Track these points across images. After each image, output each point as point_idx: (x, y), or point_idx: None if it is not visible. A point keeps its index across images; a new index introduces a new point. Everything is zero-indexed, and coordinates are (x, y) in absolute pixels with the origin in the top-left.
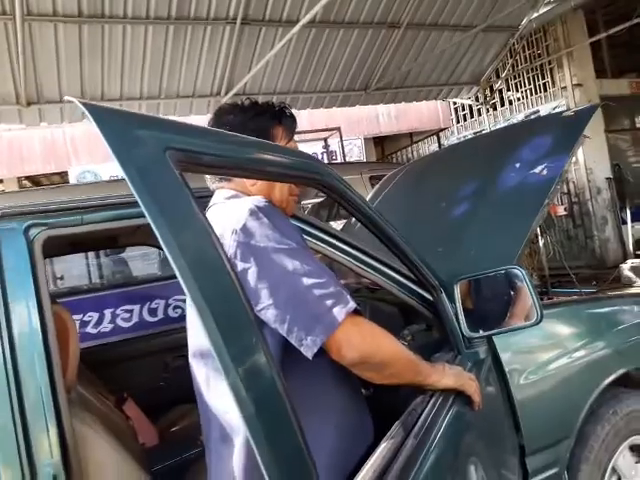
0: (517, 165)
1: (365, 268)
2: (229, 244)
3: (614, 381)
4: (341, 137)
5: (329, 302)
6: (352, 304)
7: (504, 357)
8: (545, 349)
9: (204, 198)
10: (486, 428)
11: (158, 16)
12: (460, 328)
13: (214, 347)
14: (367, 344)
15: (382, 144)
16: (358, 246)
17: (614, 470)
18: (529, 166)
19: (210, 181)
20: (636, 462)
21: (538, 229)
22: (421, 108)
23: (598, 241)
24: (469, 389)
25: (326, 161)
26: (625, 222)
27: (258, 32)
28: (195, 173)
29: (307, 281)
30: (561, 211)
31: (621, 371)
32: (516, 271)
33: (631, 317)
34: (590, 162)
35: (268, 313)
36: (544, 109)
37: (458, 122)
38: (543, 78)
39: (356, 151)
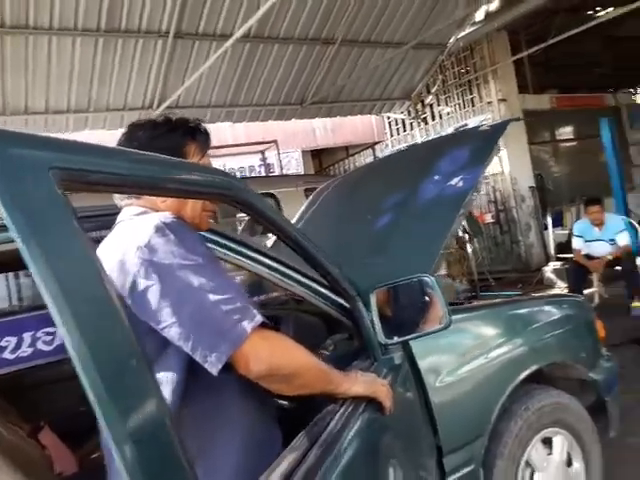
0: (437, 177)
1: (285, 280)
2: (133, 262)
3: (527, 378)
4: (278, 150)
5: (235, 317)
6: (259, 318)
7: (421, 362)
8: (461, 352)
9: (110, 216)
10: (403, 431)
11: (87, 28)
12: (376, 335)
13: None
14: (275, 356)
15: (320, 157)
16: (278, 258)
17: (527, 463)
18: (447, 178)
19: (118, 198)
20: (548, 454)
21: (467, 236)
22: (356, 122)
23: (523, 246)
24: (380, 395)
25: (263, 173)
26: (547, 228)
27: (191, 46)
28: (86, 192)
29: (212, 297)
30: (489, 219)
31: (533, 367)
32: (427, 279)
33: (543, 317)
34: (515, 172)
35: (172, 331)
36: (472, 122)
37: (392, 135)
38: (471, 93)
39: (294, 163)
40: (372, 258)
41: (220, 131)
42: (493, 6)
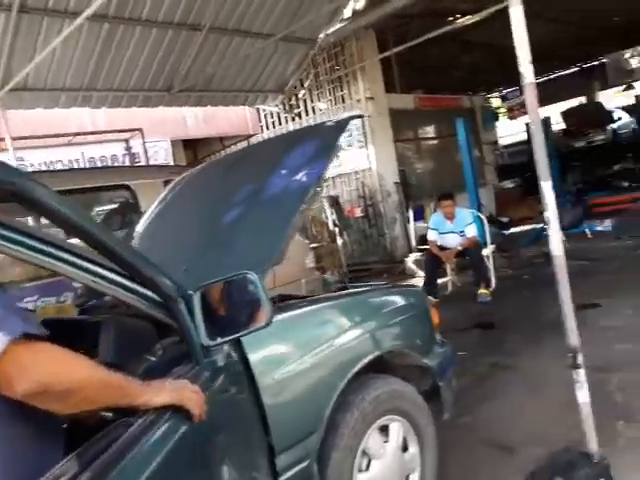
0: (284, 171)
1: (95, 279)
2: None
3: (367, 368)
4: (143, 138)
5: None
6: (21, 329)
7: (254, 361)
8: (297, 348)
9: None
10: (230, 434)
11: None
12: (198, 337)
13: None
14: (45, 372)
15: (194, 148)
16: (87, 256)
17: (364, 452)
18: (294, 172)
19: None
20: (384, 442)
21: (337, 230)
22: (229, 113)
23: (389, 238)
24: (188, 403)
25: (127, 163)
26: (410, 221)
27: (40, 22)
28: None
29: None
30: (358, 213)
31: (369, 357)
32: (250, 276)
33: (380, 307)
34: (381, 168)
35: None
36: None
37: (268, 128)
38: (342, 90)
39: (162, 153)
40: (217, 253)
41: (78, 116)
42: (360, 4)
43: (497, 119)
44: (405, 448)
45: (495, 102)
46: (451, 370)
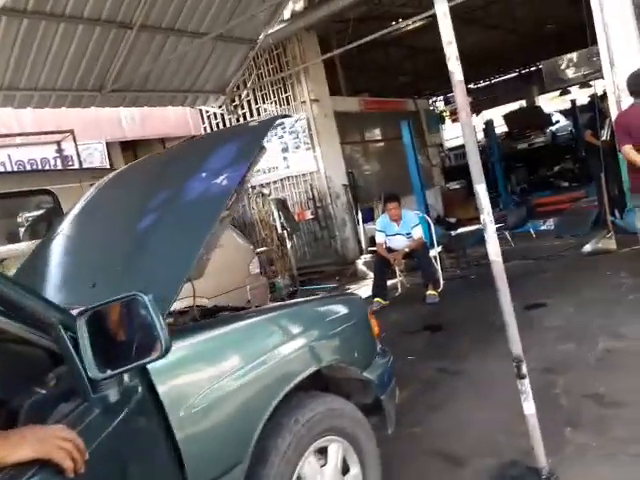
0: (204, 174)
1: None
2: None
3: (301, 385)
4: (75, 140)
5: None
6: None
7: (164, 391)
8: (218, 370)
9: None
10: (134, 475)
11: None
12: (85, 369)
13: None
14: None
15: (134, 149)
16: None
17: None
18: (213, 175)
19: None
20: (322, 466)
21: (285, 233)
22: (168, 113)
23: (339, 240)
24: (57, 456)
25: (60, 166)
26: (359, 223)
27: None
28: None
29: None
30: (308, 215)
31: (305, 374)
32: (140, 298)
33: (314, 320)
34: (329, 170)
35: None
36: (289, 121)
37: (211, 129)
38: (286, 92)
39: (98, 156)
40: (128, 266)
41: (3, 116)
42: (299, 5)
43: (442, 122)
44: (345, 470)
45: (440, 105)
46: (393, 382)
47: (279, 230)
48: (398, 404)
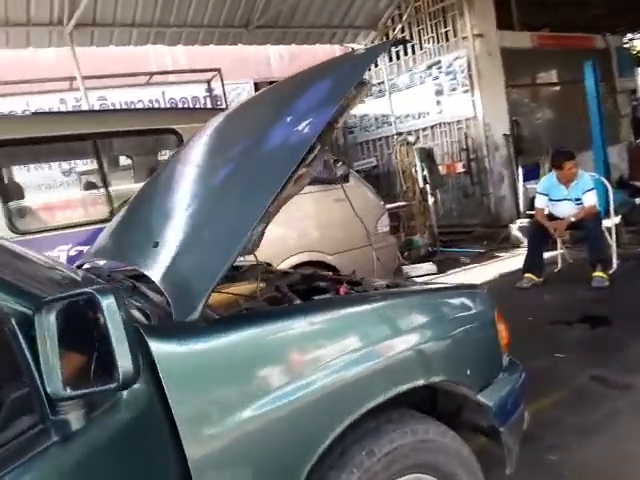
0: (288, 119)
1: None
2: None
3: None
4: (222, 79)
5: None
6: None
7: (181, 409)
8: (262, 385)
9: None
10: None
11: None
12: (43, 381)
13: None
14: None
15: None
16: None
17: None
18: (295, 121)
19: None
20: None
21: (427, 187)
22: (317, 52)
23: (493, 199)
24: None
25: (209, 106)
26: (519, 180)
27: None
28: None
29: None
30: (459, 168)
31: (392, 392)
32: (97, 299)
33: (416, 320)
34: (489, 117)
35: None
36: (446, 60)
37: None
38: (445, 26)
39: (245, 96)
40: (190, 229)
41: (159, 55)
42: None
43: (638, 65)
44: None
45: (638, 44)
46: (520, 408)
47: (420, 184)
48: (533, 416)
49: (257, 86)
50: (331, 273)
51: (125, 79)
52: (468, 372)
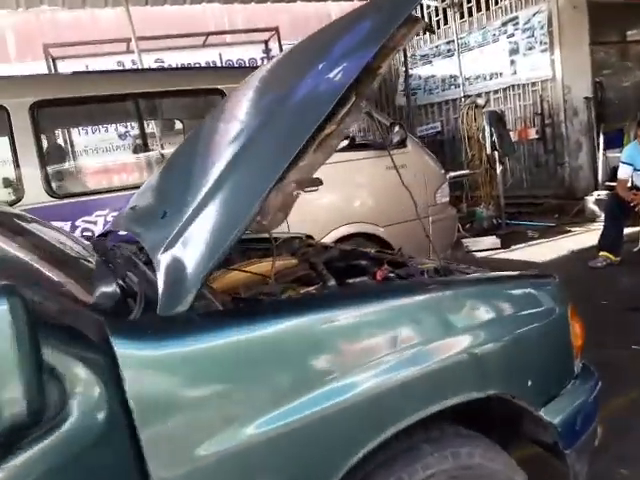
0: (320, 66)
1: None
2: None
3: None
4: (279, 39)
5: None
6: None
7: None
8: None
9: None
10: None
11: None
12: None
13: None
14: None
15: None
16: None
17: None
18: (330, 67)
19: None
20: None
21: (496, 154)
22: None
23: (569, 169)
24: None
25: None
26: (600, 149)
27: None
28: None
29: None
30: (532, 134)
31: (432, 409)
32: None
33: (464, 317)
34: (569, 79)
35: None
36: (524, 15)
37: (425, 32)
38: None
39: None
40: (200, 199)
41: (216, 16)
42: None
43: None
44: None
45: None
46: (594, 425)
47: (488, 150)
48: (601, 418)
49: None
50: (373, 250)
51: (182, 41)
52: (530, 382)
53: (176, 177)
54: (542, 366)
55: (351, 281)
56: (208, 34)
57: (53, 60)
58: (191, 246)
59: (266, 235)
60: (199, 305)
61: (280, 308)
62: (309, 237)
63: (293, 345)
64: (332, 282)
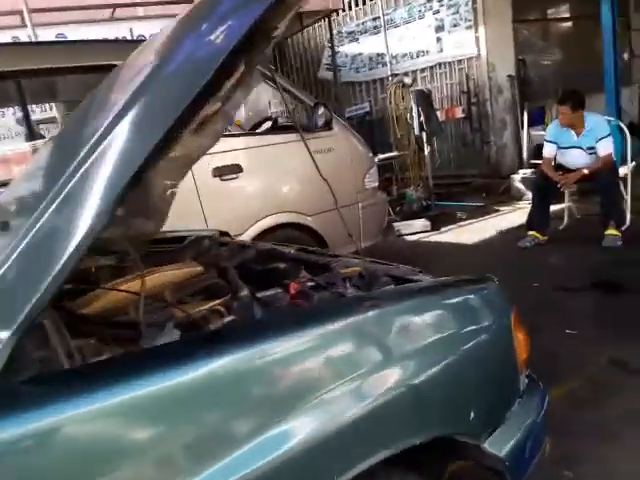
0: (203, 27)
1: None
2: None
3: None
4: None
5: None
6: None
7: None
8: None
9: None
10: None
11: None
12: None
13: None
14: None
15: None
16: None
17: None
18: (211, 29)
19: None
20: None
21: (424, 136)
22: None
23: (495, 148)
24: None
25: None
26: (524, 127)
27: None
28: None
29: None
30: (459, 113)
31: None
32: None
33: (420, 332)
34: (493, 56)
35: None
36: None
37: (355, 5)
38: None
39: None
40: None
41: None
42: None
43: None
44: None
45: None
46: (543, 446)
47: (416, 131)
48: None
49: None
50: (292, 249)
51: (86, 14)
52: (472, 414)
53: (31, 178)
54: (485, 392)
55: (260, 295)
56: (115, 6)
57: None
58: (17, 279)
59: (182, 233)
60: (28, 363)
61: (143, 360)
62: (223, 234)
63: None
64: (245, 292)
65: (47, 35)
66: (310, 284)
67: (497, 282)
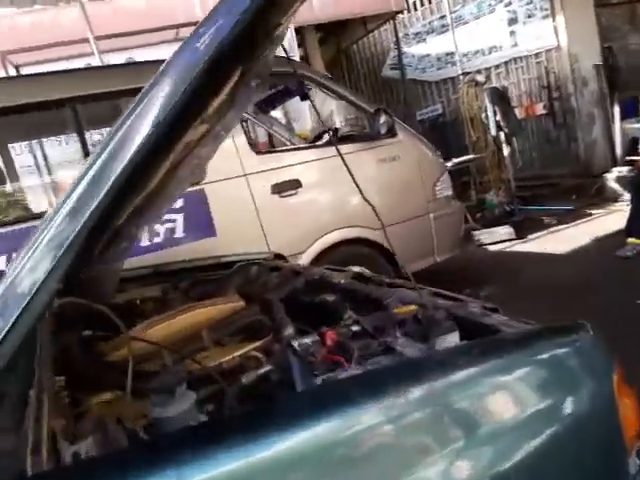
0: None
1: None
2: None
3: None
4: None
5: None
6: None
7: None
8: None
9: None
10: None
11: None
12: None
13: None
14: None
15: (337, 36)
16: None
17: None
18: (203, 29)
19: None
20: None
21: (503, 135)
22: None
23: (583, 144)
24: None
25: None
26: (615, 120)
27: None
28: None
29: None
30: (540, 109)
31: None
32: None
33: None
34: (575, 47)
35: None
36: None
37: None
38: None
39: (285, 43)
40: None
41: (186, 6)
42: None
43: None
44: None
45: None
46: None
47: (492, 131)
48: None
49: (299, 31)
50: (344, 278)
51: (152, 36)
52: None
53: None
54: None
55: (295, 344)
56: (179, 26)
57: (16, 68)
58: None
59: (231, 258)
60: None
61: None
62: (278, 257)
63: None
64: (289, 331)
65: (117, 60)
66: (354, 328)
67: (591, 331)
